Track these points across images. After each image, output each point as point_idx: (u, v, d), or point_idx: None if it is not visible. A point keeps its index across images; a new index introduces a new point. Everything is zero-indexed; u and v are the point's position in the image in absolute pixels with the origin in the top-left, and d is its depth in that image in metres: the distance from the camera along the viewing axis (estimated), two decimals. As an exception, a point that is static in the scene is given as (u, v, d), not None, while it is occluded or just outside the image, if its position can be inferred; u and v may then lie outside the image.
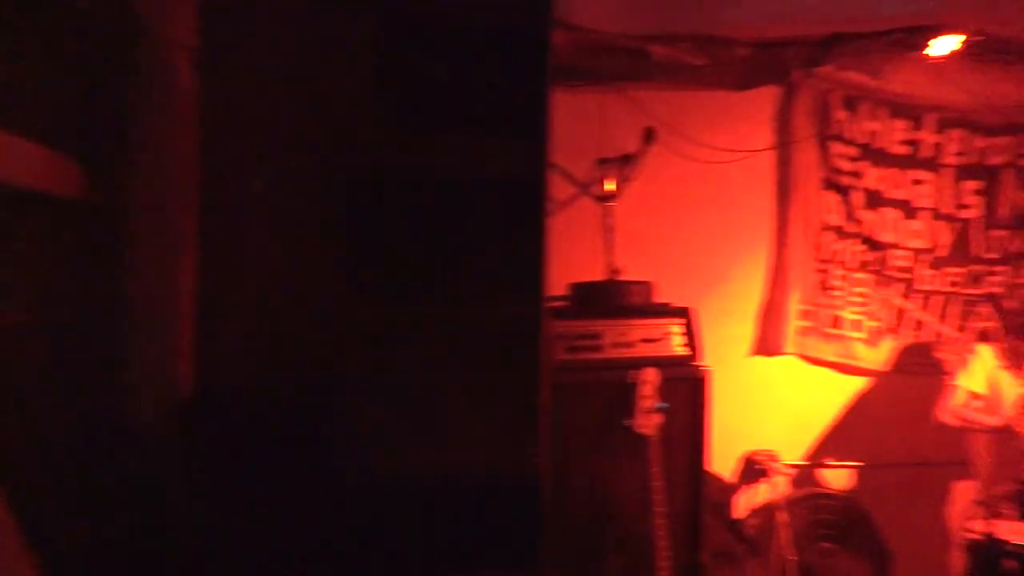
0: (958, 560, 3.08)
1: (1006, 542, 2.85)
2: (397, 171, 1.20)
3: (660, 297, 3.09)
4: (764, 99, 3.63)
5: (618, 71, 3.27)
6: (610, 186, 3.15)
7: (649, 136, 3.14)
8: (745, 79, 3.51)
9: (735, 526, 3.49)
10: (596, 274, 3.29)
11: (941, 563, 3.27)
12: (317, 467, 1.12)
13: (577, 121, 3.38)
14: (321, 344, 1.16)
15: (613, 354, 2.87)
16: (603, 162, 3.21)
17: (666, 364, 2.85)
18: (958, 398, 3.32)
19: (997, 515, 3.02)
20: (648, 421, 2.73)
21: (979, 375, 3.33)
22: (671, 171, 3.47)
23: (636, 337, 2.89)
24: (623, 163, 3.16)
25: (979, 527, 2.94)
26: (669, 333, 2.94)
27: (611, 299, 3.03)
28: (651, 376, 2.75)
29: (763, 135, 3.64)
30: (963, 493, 3.67)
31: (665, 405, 2.72)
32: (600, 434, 2.85)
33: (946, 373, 3.56)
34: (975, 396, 3.32)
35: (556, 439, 2.75)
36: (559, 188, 3.33)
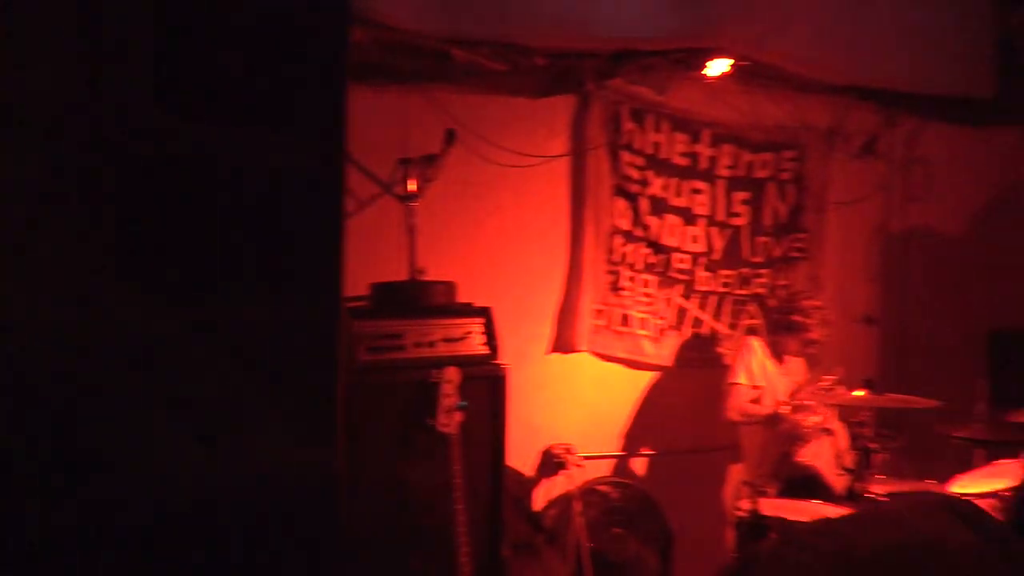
0: (730, 536, 3.39)
1: (768, 517, 3.18)
2: (180, 163, 1.12)
3: (462, 297, 3.14)
4: (561, 107, 3.79)
5: (421, 71, 3.29)
6: (412, 186, 3.16)
7: (450, 137, 3.18)
8: (543, 87, 3.66)
9: (534, 518, 3.62)
10: (399, 274, 3.28)
11: (718, 540, 3.58)
12: (82, 479, 1.03)
13: (380, 120, 3.36)
14: (88, 346, 1.06)
15: (415, 354, 2.87)
16: (405, 162, 3.21)
17: (467, 363, 2.89)
18: (741, 395, 3.63)
19: (761, 494, 3.35)
20: (450, 419, 2.76)
21: (755, 368, 3.66)
22: (473, 173, 3.54)
23: (438, 337, 2.91)
24: (425, 163, 3.17)
25: (746, 505, 3.25)
26: (470, 332, 2.99)
27: (413, 299, 3.03)
28: (452, 375, 2.78)
29: (560, 142, 3.80)
30: (735, 475, 4.04)
31: (465, 403, 2.77)
32: (403, 434, 2.84)
33: (726, 367, 3.90)
34: (754, 388, 3.65)
35: (358, 441, 2.74)
36: (361, 187, 3.29)
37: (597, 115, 3.76)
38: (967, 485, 3.13)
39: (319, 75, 1.38)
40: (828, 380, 3.48)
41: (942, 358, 4.53)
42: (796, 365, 3.77)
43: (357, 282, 3.06)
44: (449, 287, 3.08)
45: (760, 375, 3.63)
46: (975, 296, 4.69)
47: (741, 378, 3.61)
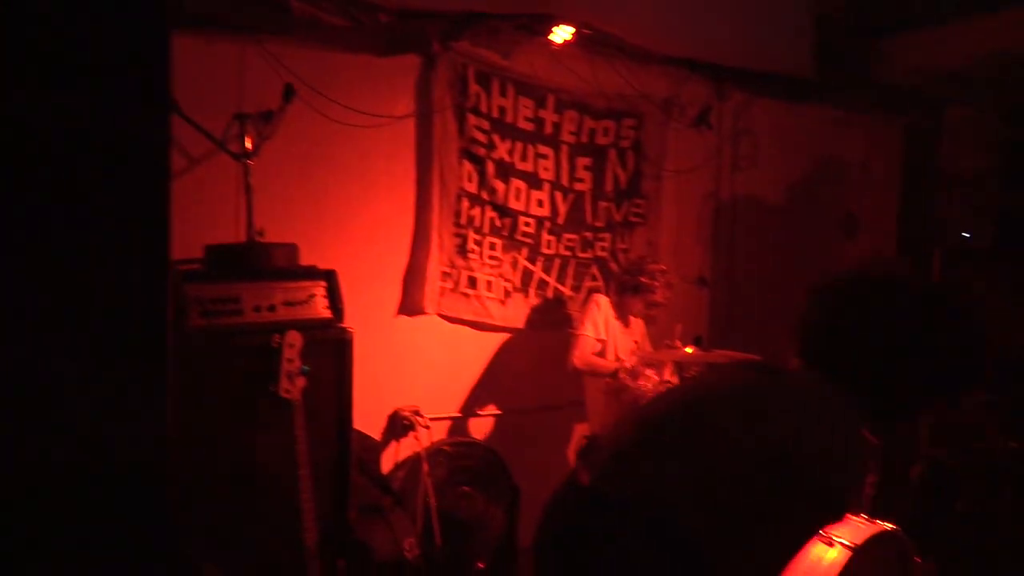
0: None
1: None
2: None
3: (305, 260, 3.05)
4: (406, 67, 3.73)
5: (256, 22, 3.12)
6: (248, 143, 3.03)
7: (289, 93, 3.06)
8: (388, 46, 3.58)
9: (382, 480, 3.62)
10: (236, 236, 3.15)
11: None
12: None
13: (212, 73, 3.18)
14: None
15: (254, 318, 2.77)
16: (240, 117, 3.06)
17: (310, 327, 2.83)
18: (586, 346, 3.76)
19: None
20: (292, 385, 2.70)
21: (599, 322, 3.80)
22: (314, 132, 3.43)
23: (278, 300, 2.82)
24: (262, 120, 3.04)
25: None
26: (313, 296, 2.92)
27: (252, 261, 2.92)
28: (294, 339, 2.71)
29: (406, 102, 3.74)
30: (580, 432, 4.21)
31: (308, 368, 2.71)
32: (243, 401, 2.75)
33: (572, 327, 4.03)
34: (599, 341, 3.79)
35: (194, 409, 2.62)
36: (193, 143, 3.11)
37: (443, 77, 3.73)
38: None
39: (136, 25, 1.28)
40: (674, 342, 3.68)
41: (765, 316, 4.90)
42: (637, 326, 3.96)
43: (190, 244, 2.91)
44: (290, 249, 2.99)
45: (604, 330, 3.78)
46: (793, 259, 5.09)
47: (587, 329, 3.74)
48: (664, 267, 3.90)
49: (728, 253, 4.89)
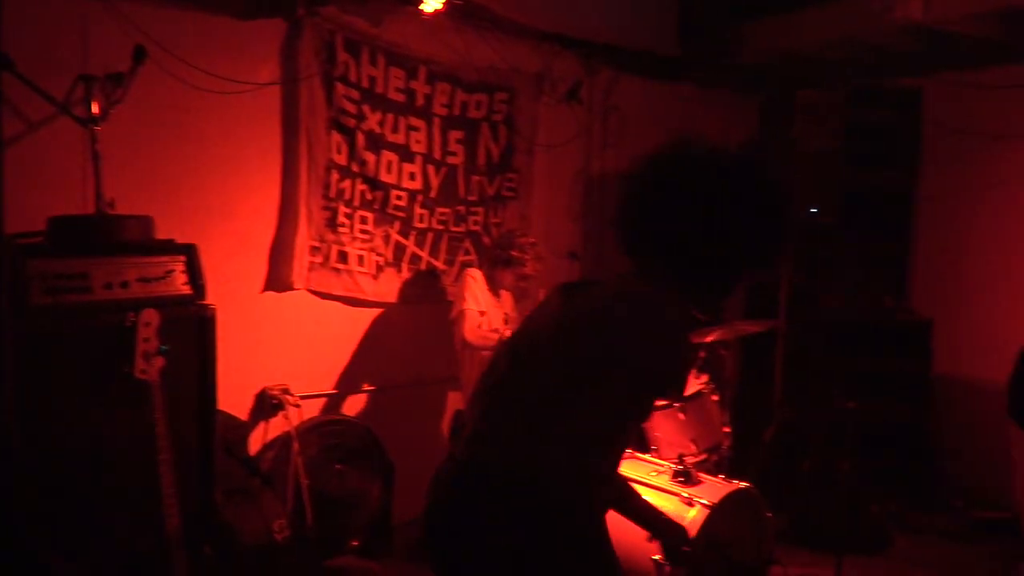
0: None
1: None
2: None
3: (161, 233, 2.89)
4: (270, 31, 3.56)
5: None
6: (95, 108, 2.81)
7: (140, 55, 2.87)
8: (249, 8, 3.42)
9: (250, 462, 3.51)
10: (83, 207, 2.93)
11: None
12: None
13: (53, 30, 2.93)
14: None
15: (105, 296, 2.60)
16: (86, 79, 2.84)
17: (168, 304, 2.69)
18: (474, 320, 3.76)
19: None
20: (149, 366, 2.56)
21: (479, 296, 3.81)
22: (170, 97, 3.23)
23: (132, 276, 2.66)
24: (111, 83, 2.84)
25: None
26: (171, 271, 2.77)
27: (101, 235, 2.73)
28: (151, 318, 2.57)
29: (270, 69, 3.58)
30: (453, 404, 4.23)
31: (166, 348, 2.57)
32: (95, 384, 2.58)
33: (446, 302, 4.02)
34: (482, 314, 3.80)
35: (40, 393, 2.44)
36: (31, 106, 2.87)
37: (309, 43, 3.60)
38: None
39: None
40: None
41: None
42: (507, 299, 3.99)
43: (33, 216, 2.70)
44: (145, 222, 2.82)
45: (483, 303, 3.80)
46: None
47: (471, 304, 3.75)
48: (534, 240, 3.95)
49: (598, 228, 5.00)
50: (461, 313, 3.73)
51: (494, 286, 3.88)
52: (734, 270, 1.67)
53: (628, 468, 3.28)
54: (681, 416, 3.39)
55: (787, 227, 1.66)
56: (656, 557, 2.88)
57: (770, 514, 3.16)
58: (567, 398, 1.60)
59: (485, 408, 1.71)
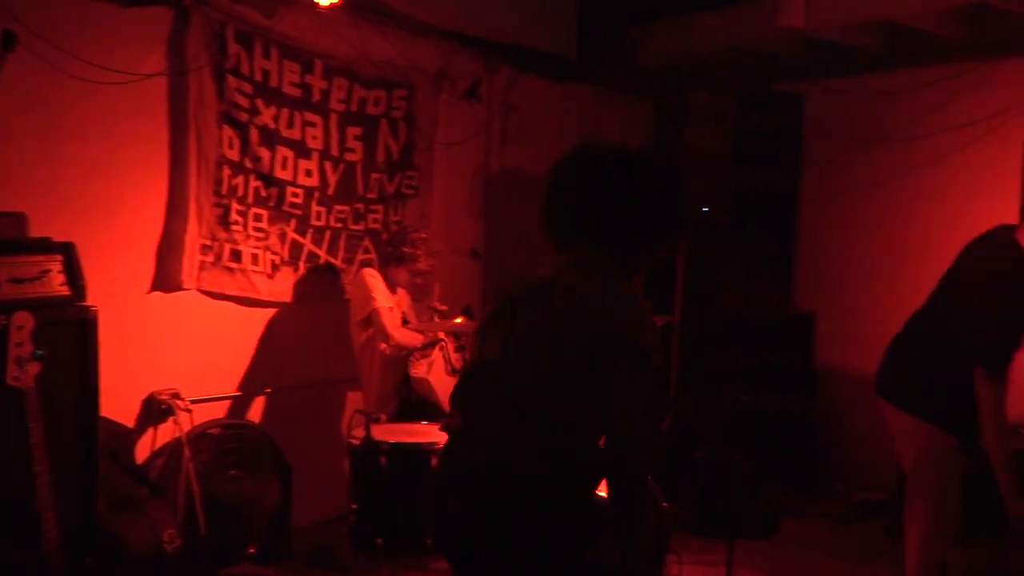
0: (347, 465, 3.48)
1: (381, 442, 3.33)
2: None
3: (35, 231, 2.73)
4: (155, 20, 3.40)
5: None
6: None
7: (9, 41, 2.69)
8: (132, -6, 3.26)
9: (137, 470, 3.36)
10: (-54, 203, 2.74)
11: (338, 470, 3.64)
12: None
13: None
14: None
15: (-28, 297, 2.43)
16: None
17: (43, 306, 2.54)
18: (392, 317, 3.70)
19: (375, 421, 3.50)
20: (22, 372, 2.40)
21: (385, 293, 3.75)
22: (45, 87, 3.05)
23: (3, 277, 2.50)
24: (-23, 71, 2.65)
25: (360, 433, 3.36)
26: (47, 271, 2.62)
27: (-33, 233, 2.55)
28: (24, 320, 2.41)
29: (155, 59, 3.42)
30: (353, 404, 4.16)
31: (42, 353, 2.42)
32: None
33: (344, 301, 3.94)
34: (392, 310, 3.74)
35: None
36: None
37: (198, 33, 3.46)
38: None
39: None
40: (433, 302, 3.73)
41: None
42: (404, 297, 3.96)
43: None
44: (16, 219, 2.66)
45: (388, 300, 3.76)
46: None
47: (385, 302, 3.69)
48: (426, 235, 3.92)
49: (499, 226, 5.03)
50: (376, 312, 3.67)
51: (390, 284, 3.83)
52: (653, 251, 2.01)
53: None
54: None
55: (683, 204, 2.00)
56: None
57: (666, 504, 3.25)
58: (582, 401, 1.79)
59: (496, 415, 1.87)
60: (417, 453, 3.32)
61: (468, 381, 2.00)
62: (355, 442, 3.36)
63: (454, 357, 3.61)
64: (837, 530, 4.36)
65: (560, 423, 1.81)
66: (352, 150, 4.15)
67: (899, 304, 4.82)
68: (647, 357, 1.81)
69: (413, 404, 3.81)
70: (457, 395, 1.99)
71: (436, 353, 3.80)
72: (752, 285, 5.31)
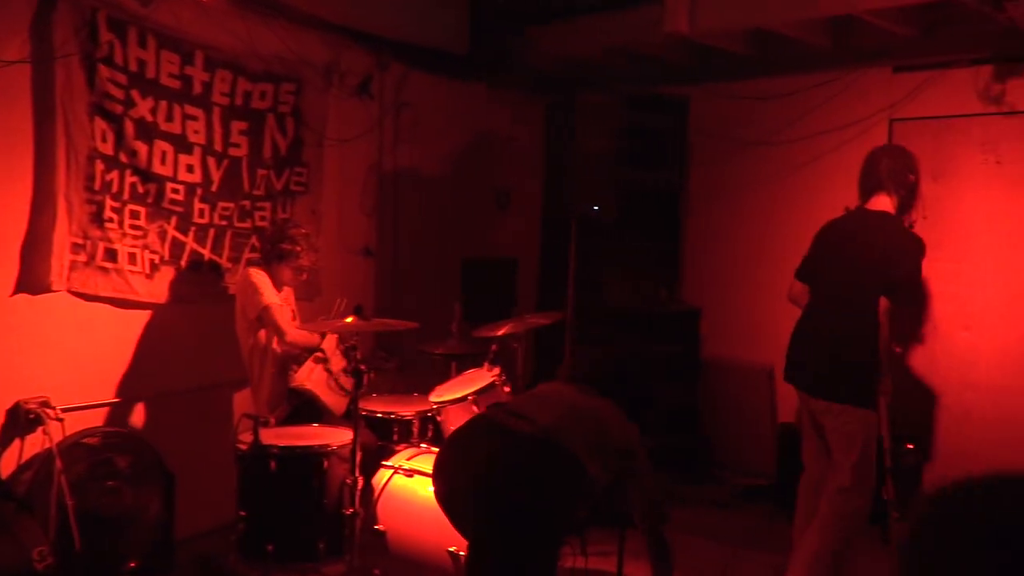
0: (236, 471, 3.36)
1: (271, 446, 3.24)
2: None
3: None
4: (18, 4, 3.19)
5: None
6: None
7: None
8: (-10, -24, 3.04)
9: (2, 485, 3.13)
10: None
11: (227, 476, 3.50)
12: None
13: None
14: None
15: None
16: None
17: None
18: (284, 315, 3.57)
19: (264, 424, 3.40)
20: None
21: (273, 291, 3.63)
22: None
23: None
24: None
25: (247, 438, 3.26)
26: None
27: None
28: None
29: (18, 45, 3.20)
30: (241, 408, 4.02)
31: None
32: None
33: (229, 299, 3.80)
34: (282, 307, 3.62)
35: None
36: None
37: (66, 19, 3.25)
38: (444, 394, 3.59)
39: None
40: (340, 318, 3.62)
41: (427, 285, 5.09)
42: (289, 296, 3.86)
43: None
44: None
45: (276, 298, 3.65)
46: (452, 229, 5.35)
47: (274, 299, 3.57)
48: (307, 231, 3.81)
49: (392, 224, 4.98)
50: (266, 310, 3.56)
51: (276, 283, 3.73)
52: None
53: (424, 462, 3.29)
54: (475, 408, 3.44)
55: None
56: (452, 548, 2.92)
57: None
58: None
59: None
60: (308, 457, 3.25)
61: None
62: (243, 447, 3.26)
63: (341, 375, 3.53)
64: (721, 515, 4.54)
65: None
66: (237, 145, 4.01)
67: (779, 298, 5.10)
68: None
69: (304, 407, 3.71)
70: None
71: (318, 366, 3.70)
72: (641, 281, 5.46)
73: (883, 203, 3.32)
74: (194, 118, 3.80)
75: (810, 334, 3.39)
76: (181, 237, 3.83)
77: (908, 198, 3.33)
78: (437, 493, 2.63)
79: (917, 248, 3.23)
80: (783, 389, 5.09)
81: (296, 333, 3.61)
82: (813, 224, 4.93)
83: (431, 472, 2.68)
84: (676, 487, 4.75)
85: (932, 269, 4.57)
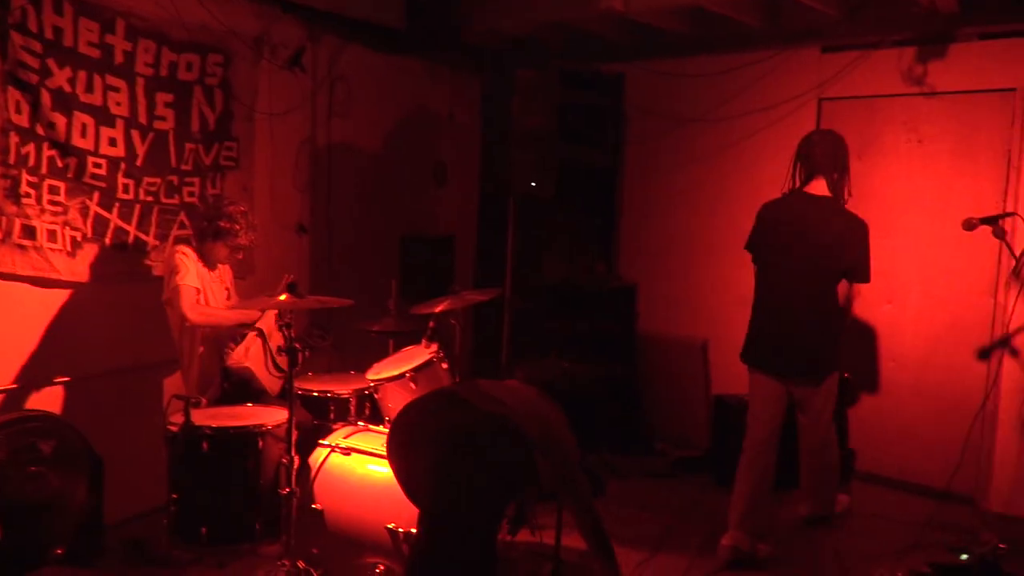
0: (166, 453, 3.28)
1: (203, 427, 3.17)
2: None
3: None
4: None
5: None
6: None
7: None
8: None
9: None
10: None
11: (156, 460, 3.42)
12: None
13: None
14: None
15: None
16: None
17: None
18: (189, 295, 3.46)
19: (195, 405, 3.32)
20: None
21: (192, 274, 3.53)
22: None
23: None
24: None
25: (179, 419, 3.18)
26: None
27: None
28: None
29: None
30: (172, 390, 3.91)
31: None
32: None
33: (156, 279, 3.68)
34: (198, 292, 3.52)
35: None
36: None
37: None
38: (381, 371, 3.56)
39: None
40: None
41: (363, 262, 5.03)
42: (225, 273, 3.77)
43: None
44: None
45: (197, 280, 3.55)
46: (389, 206, 5.29)
47: (188, 279, 3.47)
48: (244, 208, 3.70)
49: (327, 200, 4.89)
50: (176, 290, 3.46)
51: (209, 261, 3.63)
52: None
53: (361, 440, 3.27)
54: (413, 386, 3.43)
55: None
56: (390, 525, 2.92)
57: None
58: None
59: None
60: (242, 437, 3.19)
61: None
62: (173, 429, 3.19)
63: (276, 354, 3.44)
64: (658, 486, 4.64)
65: None
66: (163, 118, 3.87)
67: (714, 274, 5.22)
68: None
69: (236, 387, 3.64)
70: None
71: (253, 338, 3.63)
72: (578, 257, 5.51)
73: (821, 187, 3.50)
74: (116, 89, 3.65)
75: (780, 324, 3.57)
76: (105, 214, 3.69)
77: (841, 181, 3.47)
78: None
79: (864, 230, 3.47)
80: (717, 362, 5.22)
81: (197, 315, 3.49)
82: (747, 201, 5.04)
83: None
84: (613, 459, 4.83)
85: (857, 244, 4.73)
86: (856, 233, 3.46)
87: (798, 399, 3.61)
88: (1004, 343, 4.27)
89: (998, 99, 4.28)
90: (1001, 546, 3.61)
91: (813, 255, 3.46)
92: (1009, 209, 4.13)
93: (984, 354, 4.37)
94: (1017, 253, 3.74)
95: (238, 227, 3.58)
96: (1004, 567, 3.51)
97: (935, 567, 3.45)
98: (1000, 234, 3.60)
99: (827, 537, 3.94)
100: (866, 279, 3.49)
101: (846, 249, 3.44)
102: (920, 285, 4.57)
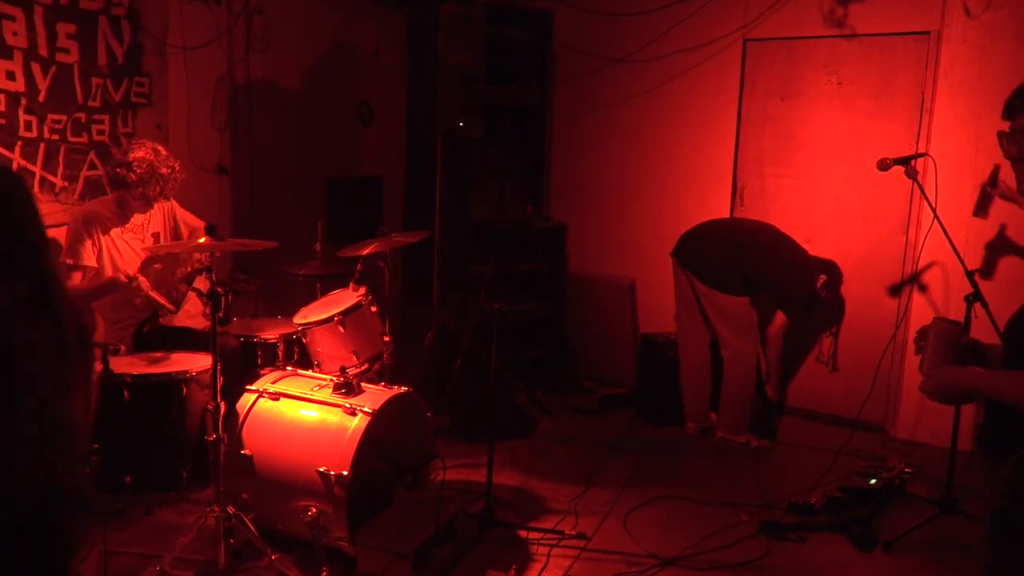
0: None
1: (123, 375, 3.07)
2: None
3: None
4: None
5: None
6: None
7: None
8: None
9: None
10: None
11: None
12: None
13: None
14: None
15: None
16: None
17: None
18: (68, 279, 3.27)
19: (114, 352, 3.20)
20: None
21: (86, 243, 3.32)
22: None
23: None
24: None
25: (97, 367, 3.07)
26: None
27: None
28: None
29: None
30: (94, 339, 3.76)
31: None
32: None
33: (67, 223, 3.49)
34: (89, 267, 3.33)
35: None
36: None
37: None
38: (309, 315, 3.50)
39: None
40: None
41: (288, 204, 4.89)
42: (155, 216, 3.59)
43: None
44: None
45: (99, 245, 3.36)
46: (313, 146, 5.14)
47: (67, 257, 3.29)
48: (149, 154, 3.35)
49: (247, 140, 4.72)
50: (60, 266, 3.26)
51: (124, 211, 3.45)
52: None
53: (289, 385, 3.23)
54: (341, 329, 3.39)
55: None
56: (322, 468, 2.91)
57: (430, 414, 3.34)
58: None
59: None
60: (164, 384, 3.11)
61: None
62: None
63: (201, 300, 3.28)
64: (586, 423, 4.75)
65: None
66: (66, 51, 3.63)
67: (642, 215, 5.27)
68: None
69: (154, 331, 3.53)
70: None
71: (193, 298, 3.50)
72: (508, 198, 5.48)
73: None
74: (11, 18, 3.40)
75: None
76: (7, 153, 3.47)
77: None
78: None
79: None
80: (644, 302, 5.32)
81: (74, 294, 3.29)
82: (675, 141, 5.11)
83: None
84: (543, 397, 4.91)
85: (778, 185, 4.84)
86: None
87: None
88: (913, 279, 4.47)
89: (913, 42, 4.39)
90: (907, 470, 3.86)
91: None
92: (921, 150, 4.27)
93: (895, 290, 4.57)
94: (928, 193, 3.89)
95: (139, 176, 3.30)
96: (909, 489, 3.77)
97: (847, 491, 3.67)
98: (912, 174, 3.72)
99: (749, 465, 4.12)
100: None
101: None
102: (837, 223, 4.72)
